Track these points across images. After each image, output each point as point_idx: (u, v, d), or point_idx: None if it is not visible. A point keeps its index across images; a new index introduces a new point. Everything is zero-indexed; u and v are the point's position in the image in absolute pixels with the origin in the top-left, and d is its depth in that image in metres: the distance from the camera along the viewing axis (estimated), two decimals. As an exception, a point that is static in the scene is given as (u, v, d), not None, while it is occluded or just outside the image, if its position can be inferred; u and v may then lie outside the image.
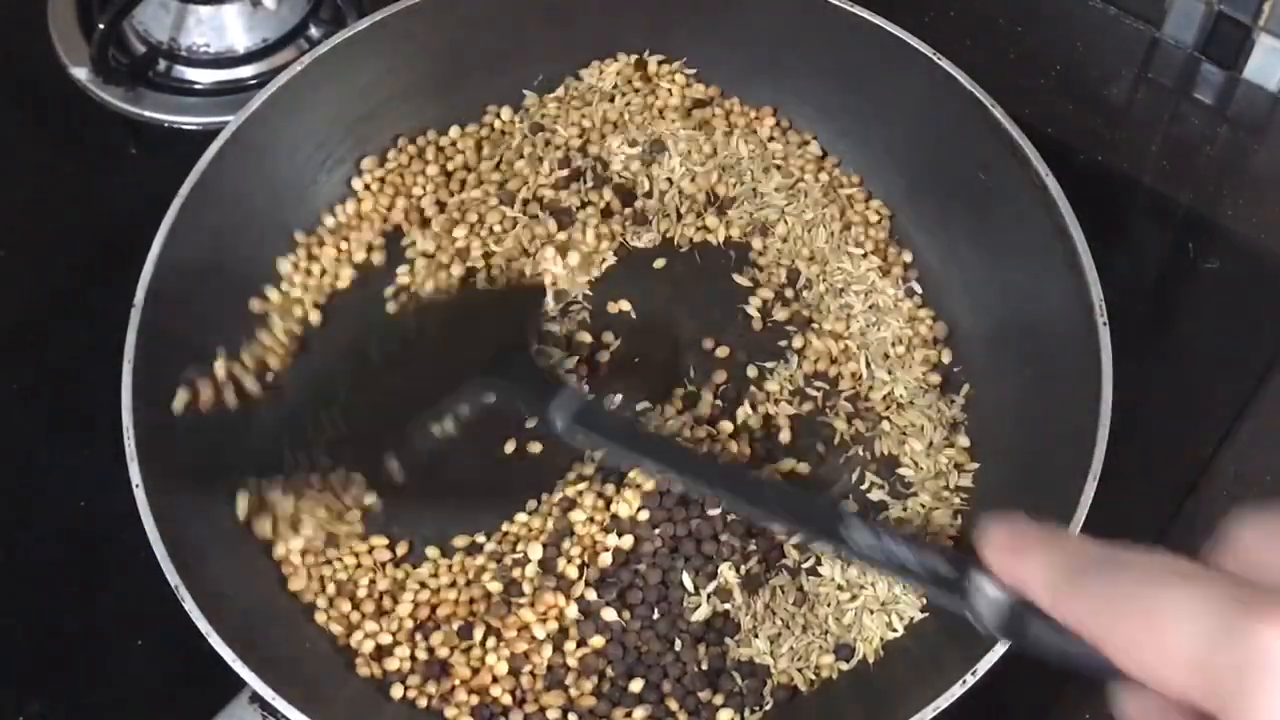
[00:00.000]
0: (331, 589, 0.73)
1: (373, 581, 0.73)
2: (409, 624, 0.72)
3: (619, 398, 0.76)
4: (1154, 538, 0.75)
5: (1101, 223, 0.74)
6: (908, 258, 0.82)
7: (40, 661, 0.74)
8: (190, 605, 0.65)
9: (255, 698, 0.65)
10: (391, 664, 0.71)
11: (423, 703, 0.70)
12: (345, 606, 0.72)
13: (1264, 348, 0.81)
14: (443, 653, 0.71)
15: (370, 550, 0.74)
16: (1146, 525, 0.76)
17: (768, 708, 0.71)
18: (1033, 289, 0.76)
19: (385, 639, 0.71)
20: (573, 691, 0.71)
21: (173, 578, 0.66)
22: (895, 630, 0.72)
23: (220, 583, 0.68)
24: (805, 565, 0.74)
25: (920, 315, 0.81)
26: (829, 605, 0.73)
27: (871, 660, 0.72)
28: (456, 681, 0.71)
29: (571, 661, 0.71)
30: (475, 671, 0.71)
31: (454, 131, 0.86)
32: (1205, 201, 0.86)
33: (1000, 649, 0.64)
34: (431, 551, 0.74)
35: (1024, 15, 0.93)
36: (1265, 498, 0.77)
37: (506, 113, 0.86)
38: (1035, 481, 0.73)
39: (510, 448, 0.76)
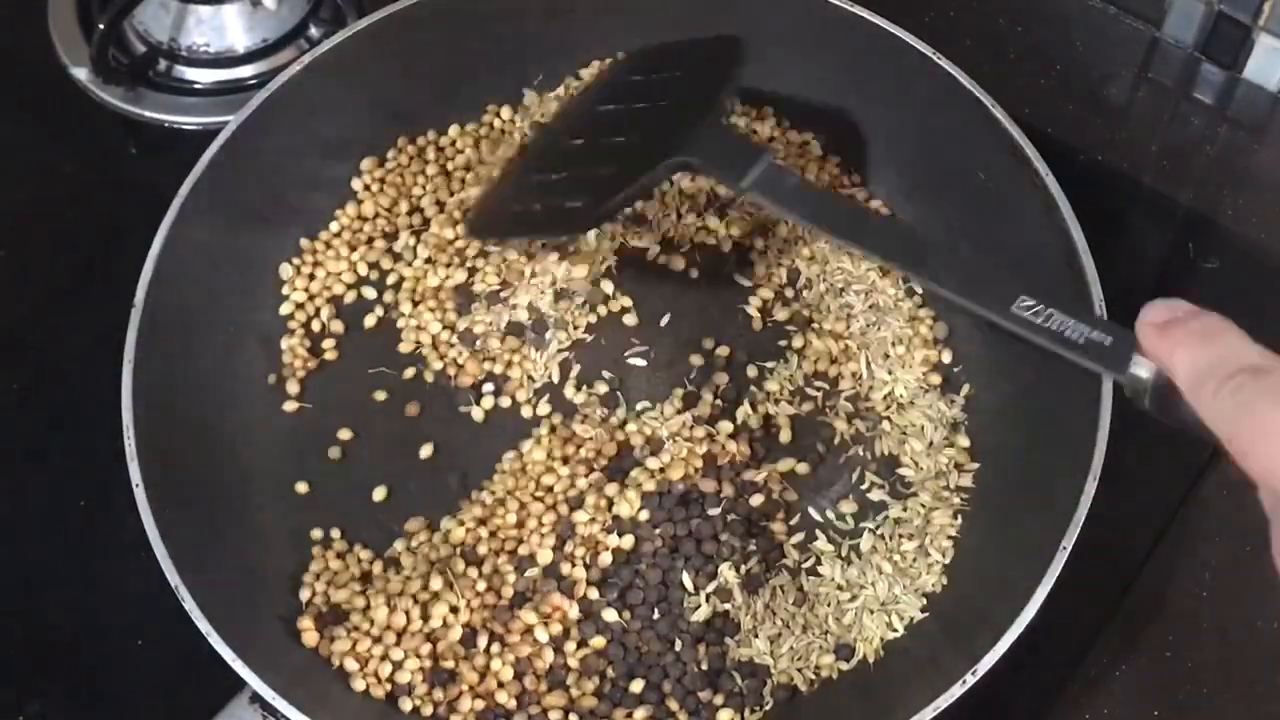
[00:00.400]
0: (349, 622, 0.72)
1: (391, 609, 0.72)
2: (422, 644, 0.72)
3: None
4: (1154, 538, 0.75)
5: (1101, 223, 0.74)
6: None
7: (40, 661, 0.74)
8: (190, 605, 0.65)
9: (255, 698, 0.65)
10: (401, 677, 0.71)
11: (428, 710, 0.70)
12: (365, 644, 0.72)
13: (1264, 348, 0.81)
14: (449, 663, 0.71)
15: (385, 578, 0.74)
16: (1146, 525, 0.76)
17: (768, 708, 0.71)
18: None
19: (397, 654, 0.71)
20: (574, 692, 0.71)
21: (173, 578, 0.66)
22: (895, 630, 0.72)
23: (220, 583, 0.68)
24: (805, 565, 0.74)
25: (920, 315, 0.80)
26: (829, 605, 0.73)
27: (871, 660, 0.72)
28: (464, 688, 0.71)
29: (573, 662, 0.71)
30: (481, 677, 0.71)
31: (454, 131, 0.86)
32: (1205, 201, 0.86)
33: (1001, 649, 0.64)
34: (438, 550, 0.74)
35: (1024, 15, 0.93)
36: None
37: (506, 112, 0.86)
38: (1035, 481, 0.73)
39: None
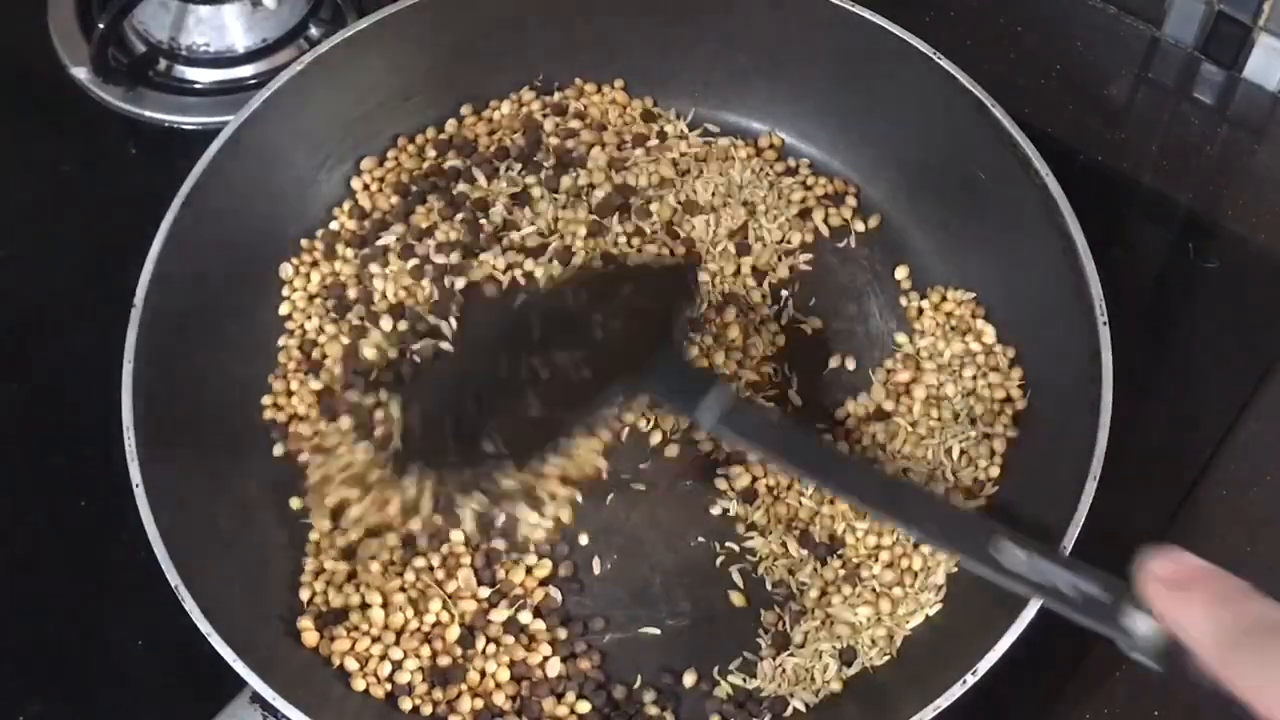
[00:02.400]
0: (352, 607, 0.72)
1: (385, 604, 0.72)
2: (420, 644, 0.72)
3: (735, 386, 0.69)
4: (1154, 538, 0.75)
5: (1101, 223, 0.74)
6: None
7: (40, 661, 0.74)
8: (190, 605, 0.65)
9: (255, 698, 0.65)
10: (401, 677, 0.71)
11: (427, 710, 0.70)
12: (365, 644, 0.72)
13: (1264, 348, 0.81)
14: (445, 660, 0.71)
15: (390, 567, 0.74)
16: (1146, 525, 0.76)
17: (767, 707, 0.71)
18: (1033, 289, 0.76)
19: (396, 654, 0.71)
20: (569, 697, 0.71)
21: (173, 578, 0.66)
22: (897, 631, 0.72)
23: (220, 583, 0.68)
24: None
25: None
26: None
27: (871, 662, 0.72)
28: (464, 687, 0.71)
29: (570, 667, 0.71)
30: (481, 677, 0.71)
31: (452, 130, 0.85)
32: (1205, 201, 0.86)
33: (1001, 649, 0.64)
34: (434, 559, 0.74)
35: (1024, 15, 0.93)
36: (1265, 498, 0.77)
37: (507, 107, 0.86)
38: (1036, 481, 0.73)
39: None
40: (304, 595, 0.73)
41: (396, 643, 0.71)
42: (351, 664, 0.71)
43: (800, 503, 0.74)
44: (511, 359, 0.69)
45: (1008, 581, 0.58)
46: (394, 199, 0.83)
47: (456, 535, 0.74)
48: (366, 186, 0.84)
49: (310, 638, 0.71)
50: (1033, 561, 0.57)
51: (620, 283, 0.73)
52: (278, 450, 0.77)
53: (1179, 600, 0.49)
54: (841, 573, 0.73)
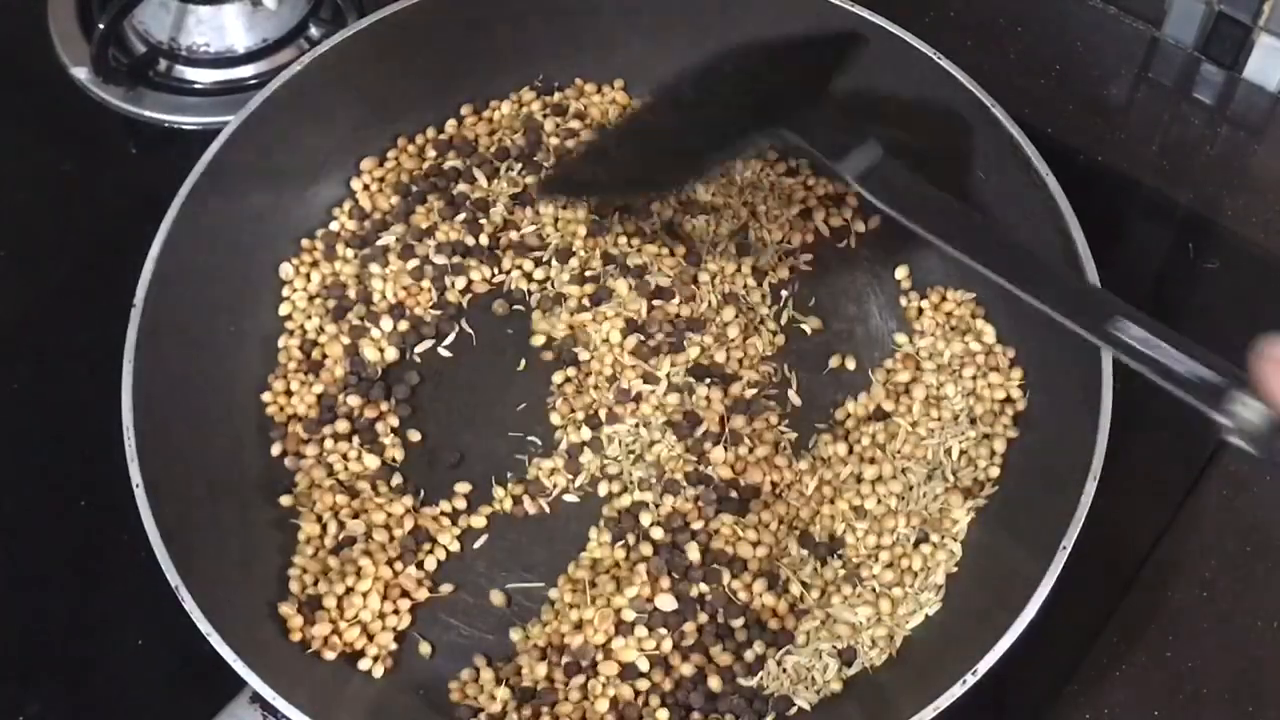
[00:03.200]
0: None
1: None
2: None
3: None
4: (1154, 538, 0.75)
5: (1101, 223, 0.74)
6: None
7: (40, 662, 0.74)
8: (190, 605, 0.65)
9: (255, 698, 0.65)
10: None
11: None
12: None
13: (1264, 348, 0.81)
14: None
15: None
16: (1146, 525, 0.76)
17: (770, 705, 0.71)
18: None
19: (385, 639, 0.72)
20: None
21: (173, 578, 0.66)
22: (898, 631, 0.72)
23: (220, 583, 0.68)
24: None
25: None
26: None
27: (872, 663, 0.72)
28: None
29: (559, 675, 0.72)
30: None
31: (452, 130, 0.85)
32: (1205, 201, 0.86)
33: (1001, 649, 0.64)
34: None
35: (1024, 15, 0.93)
36: (1265, 498, 0.77)
37: (507, 107, 0.86)
38: (1036, 481, 0.73)
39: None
40: (294, 588, 0.72)
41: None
42: (351, 640, 0.71)
43: (800, 503, 0.74)
44: (667, 90, 0.74)
45: (1122, 356, 0.59)
46: (394, 199, 0.83)
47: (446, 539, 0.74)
48: (366, 187, 0.84)
49: (304, 630, 0.71)
50: (1149, 340, 0.58)
51: (779, 47, 0.75)
52: (276, 450, 0.77)
53: None
54: (841, 573, 0.73)
